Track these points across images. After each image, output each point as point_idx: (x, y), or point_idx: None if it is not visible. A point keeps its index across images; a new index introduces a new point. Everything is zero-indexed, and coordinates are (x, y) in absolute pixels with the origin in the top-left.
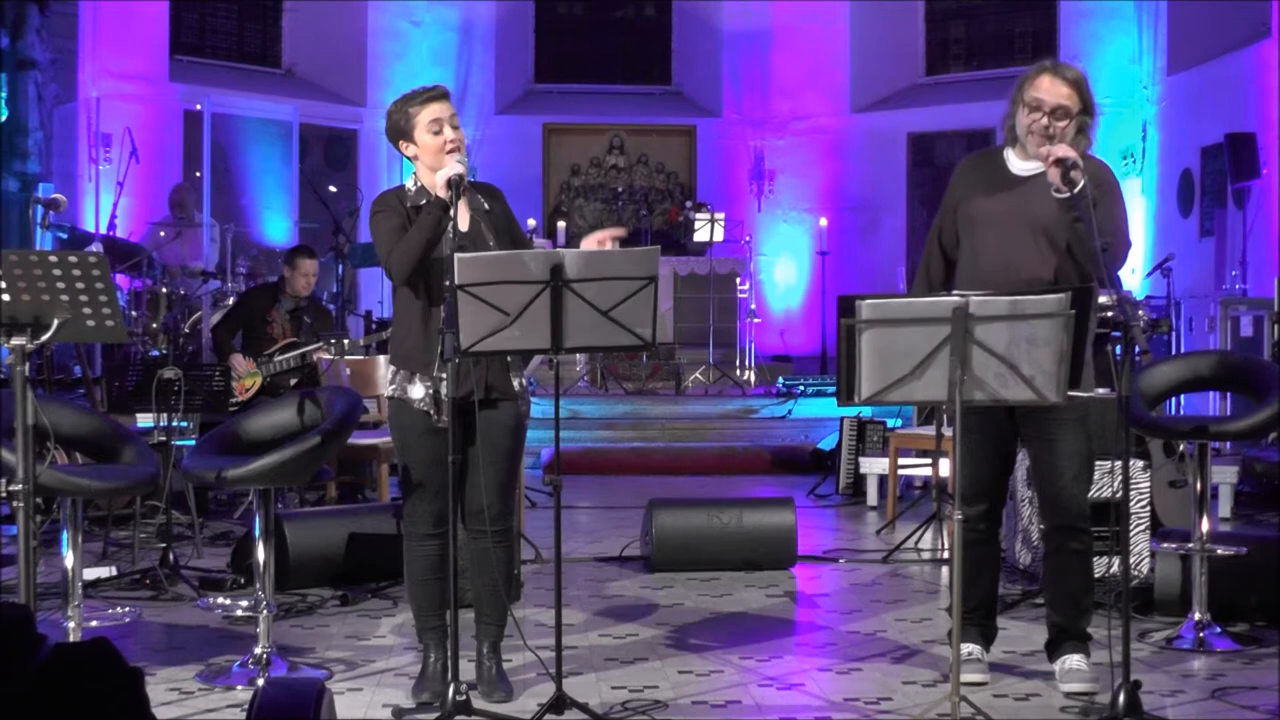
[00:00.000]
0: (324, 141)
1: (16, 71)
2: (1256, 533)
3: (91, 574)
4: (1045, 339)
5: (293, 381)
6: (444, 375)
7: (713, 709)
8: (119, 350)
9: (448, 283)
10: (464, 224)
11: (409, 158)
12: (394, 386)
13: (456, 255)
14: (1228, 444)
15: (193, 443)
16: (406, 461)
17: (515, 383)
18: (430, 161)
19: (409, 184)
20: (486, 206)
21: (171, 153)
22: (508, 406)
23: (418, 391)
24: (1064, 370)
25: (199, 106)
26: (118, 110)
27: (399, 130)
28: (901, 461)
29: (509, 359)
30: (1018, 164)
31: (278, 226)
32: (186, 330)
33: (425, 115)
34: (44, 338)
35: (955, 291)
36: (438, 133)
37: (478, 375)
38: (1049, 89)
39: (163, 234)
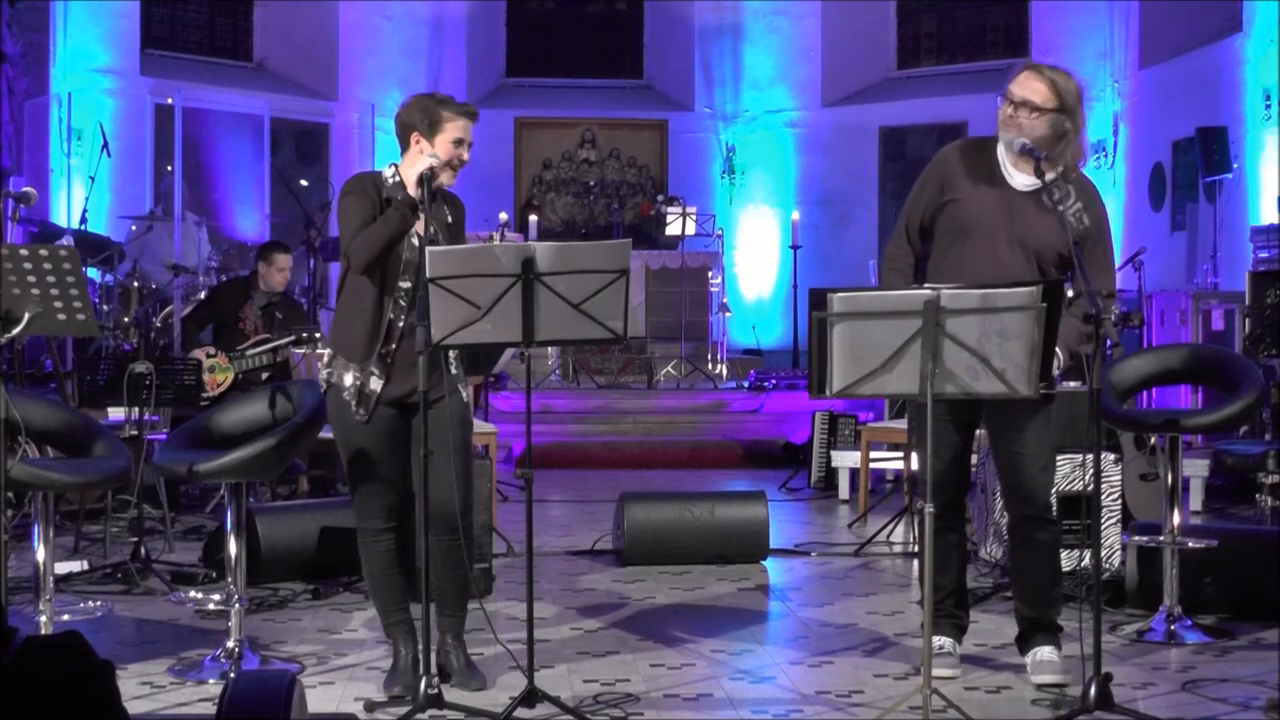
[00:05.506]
0: (295, 135)
1: None
2: (1227, 525)
3: (63, 568)
4: (1016, 332)
5: (264, 376)
6: (374, 370)
7: (684, 702)
8: (90, 344)
9: (405, 283)
10: (423, 226)
11: (414, 151)
12: (329, 370)
13: (428, 249)
14: (1199, 437)
15: (164, 437)
16: (348, 453)
17: (462, 391)
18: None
19: (387, 172)
20: (450, 219)
21: (143, 147)
22: (452, 401)
23: (348, 380)
24: (1035, 363)
25: (170, 100)
26: (89, 104)
27: (422, 123)
28: (873, 455)
29: (455, 362)
30: (1017, 177)
31: (249, 221)
32: (158, 324)
33: (458, 125)
34: (15, 331)
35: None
36: (458, 146)
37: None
38: (1021, 82)
39: (134, 227)
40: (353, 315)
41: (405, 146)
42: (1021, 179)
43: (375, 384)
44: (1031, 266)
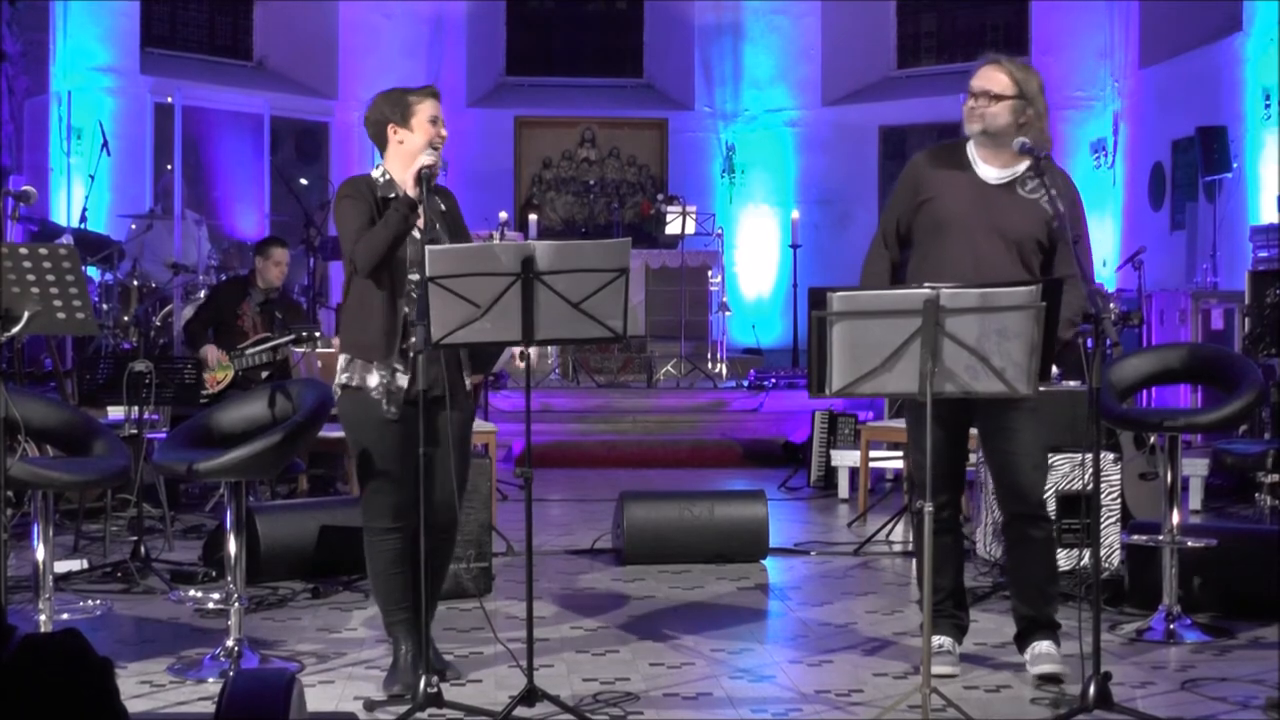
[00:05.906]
0: (295, 134)
1: None
2: (1227, 525)
3: (63, 567)
4: (1016, 331)
5: (264, 375)
6: (399, 366)
7: (684, 701)
8: (90, 343)
9: (414, 276)
10: (424, 222)
11: (394, 144)
12: (348, 375)
13: (428, 247)
14: (1198, 436)
15: (164, 435)
16: (362, 454)
17: (466, 382)
18: (416, 152)
19: (376, 174)
20: (443, 208)
21: (143, 145)
22: (460, 403)
23: (373, 380)
24: (1035, 363)
25: (170, 99)
26: (89, 103)
27: (394, 114)
28: (873, 454)
29: (463, 358)
30: (987, 170)
31: (249, 219)
32: (158, 323)
33: (427, 107)
34: (14, 330)
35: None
36: (434, 124)
37: (435, 372)
38: (980, 75)
39: (133, 226)
40: (366, 316)
41: (383, 145)
42: (992, 171)
43: (402, 380)
44: (1012, 256)
